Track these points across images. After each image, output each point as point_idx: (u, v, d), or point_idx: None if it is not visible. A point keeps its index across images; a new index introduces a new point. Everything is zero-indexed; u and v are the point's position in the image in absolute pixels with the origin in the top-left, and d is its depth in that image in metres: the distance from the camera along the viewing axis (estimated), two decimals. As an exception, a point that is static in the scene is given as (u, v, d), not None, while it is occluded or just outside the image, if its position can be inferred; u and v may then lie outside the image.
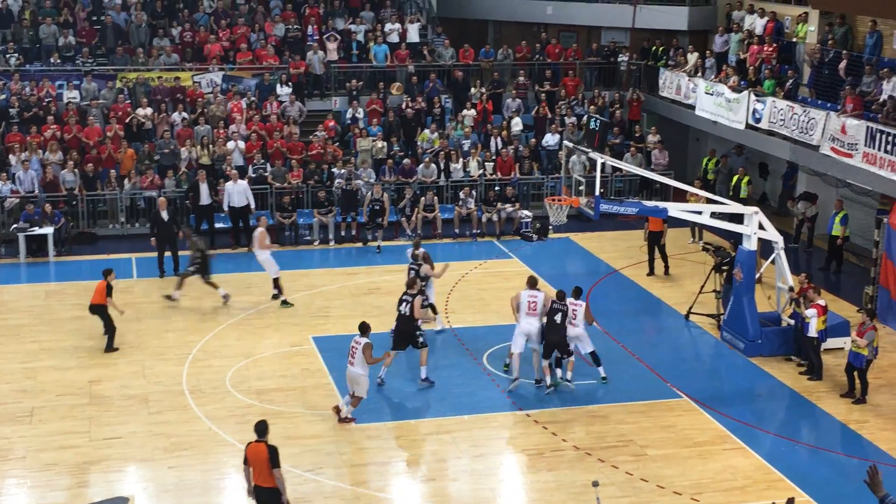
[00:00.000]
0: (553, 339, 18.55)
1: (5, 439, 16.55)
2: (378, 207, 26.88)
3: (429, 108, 31.77)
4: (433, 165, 29.51)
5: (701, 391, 18.80)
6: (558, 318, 18.40)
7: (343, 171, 28.41)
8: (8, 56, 30.88)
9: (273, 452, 13.06)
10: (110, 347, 20.24)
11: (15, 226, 25.83)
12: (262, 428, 13.27)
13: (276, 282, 22.94)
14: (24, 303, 22.92)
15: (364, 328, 17.29)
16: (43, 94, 29.77)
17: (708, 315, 22.12)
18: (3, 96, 29.36)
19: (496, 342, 20.54)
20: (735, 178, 28.76)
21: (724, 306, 21.49)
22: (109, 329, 20.38)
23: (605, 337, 21.20)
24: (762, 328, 20.60)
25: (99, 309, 20.33)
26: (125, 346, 20.36)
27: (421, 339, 18.80)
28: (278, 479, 13.06)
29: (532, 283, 18.85)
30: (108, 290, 20.29)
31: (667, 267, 25.33)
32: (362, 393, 17.21)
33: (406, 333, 18.76)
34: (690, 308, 22.38)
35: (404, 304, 18.84)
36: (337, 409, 17.46)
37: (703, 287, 22.34)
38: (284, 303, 22.78)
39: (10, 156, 27.74)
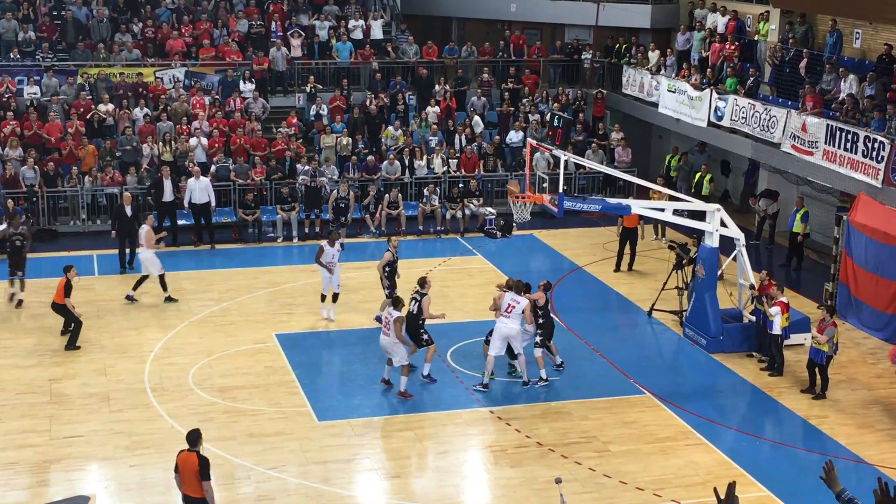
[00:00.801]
0: (549, 327, 19.09)
1: (-36, 438, 16.40)
2: (343, 205, 26.78)
3: (392, 105, 31.73)
4: (397, 162, 29.49)
5: (663, 387, 18.91)
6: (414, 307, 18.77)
7: (307, 167, 28.32)
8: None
9: (203, 464, 12.60)
10: (72, 345, 20.07)
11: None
12: (193, 437, 12.81)
13: (161, 279, 22.59)
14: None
15: (397, 302, 18.13)
16: (2, 89, 29.44)
17: (671, 311, 22.25)
18: None
19: (460, 339, 20.57)
20: (697, 175, 28.95)
21: (688, 302, 21.62)
22: (75, 326, 20.22)
23: (568, 333, 21.27)
24: (724, 325, 20.75)
25: (60, 307, 20.17)
26: (86, 344, 20.18)
27: (425, 337, 18.70)
28: (208, 491, 12.59)
29: (523, 289, 18.60)
30: (68, 288, 20.12)
31: (632, 263, 25.45)
32: (403, 360, 18.01)
33: (411, 331, 18.59)
34: (653, 305, 22.50)
35: (413, 301, 18.83)
36: (386, 382, 18.40)
37: (665, 284, 22.47)
38: (169, 299, 22.63)
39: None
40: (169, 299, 22.58)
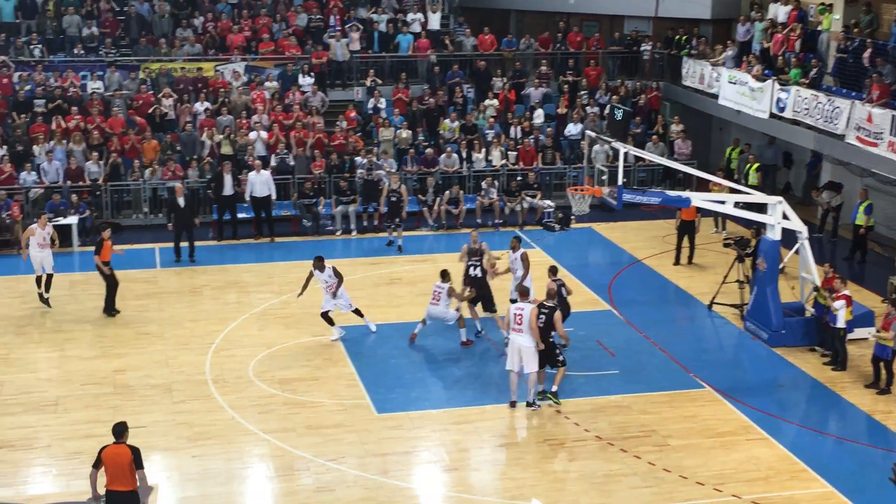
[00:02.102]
0: (565, 310, 18.82)
1: (31, 428, 16.68)
2: (395, 199, 26.53)
3: (450, 98, 31.73)
4: (455, 155, 29.45)
5: (724, 381, 18.74)
6: (542, 321, 17.26)
7: (364, 160, 28.39)
8: (32, 47, 31.02)
9: (137, 453, 12.59)
10: (110, 311, 21.42)
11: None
12: (120, 430, 12.76)
13: (46, 279, 22.02)
14: (50, 292, 23.01)
15: (444, 275, 19.83)
16: (67, 84, 29.89)
17: (731, 305, 22.03)
18: (28, 87, 29.51)
19: (518, 332, 20.53)
20: (746, 166, 28.58)
21: (750, 295, 21.39)
22: (108, 290, 21.33)
23: (628, 327, 21.17)
24: (785, 318, 20.50)
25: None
26: (148, 336, 20.45)
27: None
28: (143, 479, 12.60)
29: (523, 293, 17.70)
30: (98, 246, 21.17)
31: (691, 256, 25.22)
32: (455, 317, 19.87)
33: (485, 291, 20.50)
34: (714, 298, 22.29)
35: (472, 268, 20.41)
36: (413, 337, 20.03)
37: (726, 277, 22.24)
38: (42, 297, 21.99)
39: (35, 146, 27.87)
40: (42, 297, 21.96)
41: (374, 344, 20.30)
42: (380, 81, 32.04)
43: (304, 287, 20.60)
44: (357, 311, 20.63)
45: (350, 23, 33.29)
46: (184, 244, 25.04)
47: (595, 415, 17.37)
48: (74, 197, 26.35)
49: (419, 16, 34.03)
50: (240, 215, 27.05)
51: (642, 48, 34.24)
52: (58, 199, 26.04)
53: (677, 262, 25.17)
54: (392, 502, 14.80)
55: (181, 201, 24.71)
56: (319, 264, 20.28)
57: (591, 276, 24.04)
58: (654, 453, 16.08)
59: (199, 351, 19.82)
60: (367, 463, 15.73)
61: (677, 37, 33.66)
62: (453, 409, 17.53)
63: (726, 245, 22.75)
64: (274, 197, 26.92)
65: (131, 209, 28.31)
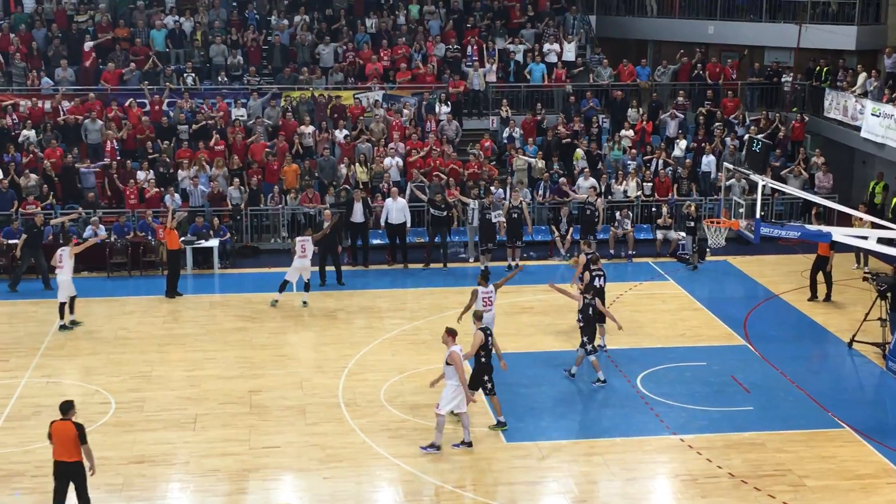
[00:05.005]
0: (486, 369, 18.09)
1: (170, 444, 17.17)
2: (516, 216, 26.55)
3: (587, 127, 31.67)
4: (592, 178, 29.09)
5: (864, 422, 18.18)
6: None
7: (475, 203, 27.43)
8: (186, 75, 32.11)
9: (81, 430, 14.02)
10: (173, 293, 24.29)
11: (182, 238, 26.71)
12: (66, 407, 14.16)
13: (63, 306, 22.33)
14: (190, 313, 23.73)
15: (486, 276, 20.14)
16: (214, 111, 30.78)
17: (873, 343, 21.39)
18: (183, 114, 30.46)
19: (650, 365, 20.34)
20: (871, 183, 27.80)
21: (892, 334, 20.76)
22: (172, 276, 24.31)
23: (764, 363, 20.74)
24: (931, 359, 19.84)
25: (172, 254, 24.44)
26: (284, 358, 20.86)
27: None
28: (88, 452, 14.05)
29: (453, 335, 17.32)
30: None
31: (829, 293, 24.57)
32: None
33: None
34: (854, 336, 21.69)
35: (598, 279, 20.71)
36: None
37: (867, 314, 21.63)
38: (63, 327, 22.29)
39: (180, 171, 28.82)
40: (63, 327, 22.32)
41: (504, 373, 20.26)
42: (514, 111, 32.13)
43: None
44: None
45: (487, 53, 33.57)
46: (329, 269, 25.52)
47: (728, 451, 17.05)
48: (216, 220, 27.15)
49: (555, 46, 34.11)
50: (374, 241, 27.40)
51: (783, 79, 33.64)
52: (200, 221, 26.84)
53: (813, 298, 24.54)
54: (520, 532, 14.80)
55: (326, 225, 25.23)
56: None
57: (725, 310, 23.66)
58: (789, 493, 15.70)
59: (332, 374, 20.14)
60: (494, 491, 15.74)
61: (820, 68, 32.96)
62: (583, 441, 17.42)
63: (865, 279, 22.17)
64: (409, 225, 27.20)
65: (269, 233, 28.99)
